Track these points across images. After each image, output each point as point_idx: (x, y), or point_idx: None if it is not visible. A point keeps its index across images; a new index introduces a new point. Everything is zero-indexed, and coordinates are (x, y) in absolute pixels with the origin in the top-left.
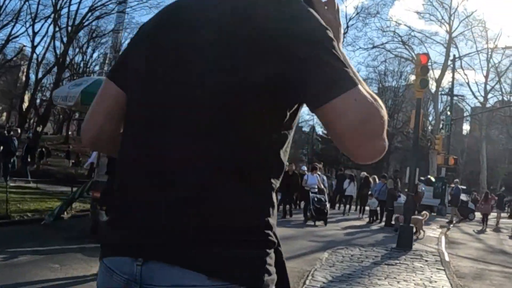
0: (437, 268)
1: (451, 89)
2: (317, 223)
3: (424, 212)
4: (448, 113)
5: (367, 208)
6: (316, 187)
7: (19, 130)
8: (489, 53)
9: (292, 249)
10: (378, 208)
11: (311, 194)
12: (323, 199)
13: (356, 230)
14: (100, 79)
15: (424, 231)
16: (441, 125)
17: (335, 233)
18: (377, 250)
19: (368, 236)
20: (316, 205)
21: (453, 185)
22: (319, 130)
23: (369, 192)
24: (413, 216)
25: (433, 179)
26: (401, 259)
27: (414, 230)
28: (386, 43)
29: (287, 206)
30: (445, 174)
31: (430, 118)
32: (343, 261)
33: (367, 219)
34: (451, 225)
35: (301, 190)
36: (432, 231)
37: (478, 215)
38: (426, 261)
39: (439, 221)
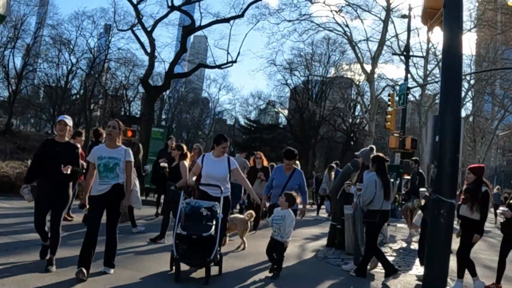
0: None
1: (406, 46)
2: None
3: (249, 211)
4: (399, 84)
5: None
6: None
7: None
8: (430, 33)
9: None
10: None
11: (180, 203)
12: (206, 212)
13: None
14: None
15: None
16: (389, 99)
17: None
18: None
19: None
20: (182, 231)
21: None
22: (242, 120)
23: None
24: (232, 216)
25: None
26: None
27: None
28: (313, 14)
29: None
30: (400, 162)
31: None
32: None
33: None
34: None
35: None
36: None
37: None
38: None
39: (400, 229)
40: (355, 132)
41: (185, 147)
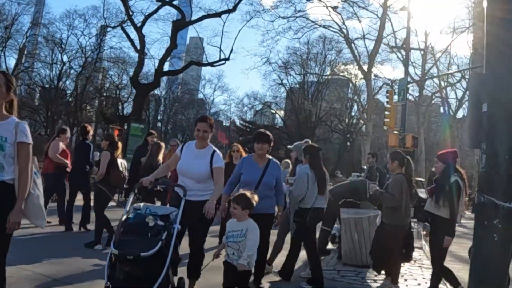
0: None
1: (406, 39)
2: None
3: None
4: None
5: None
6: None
7: None
8: (427, 32)
9: None
10: None
11: (125, 209)
12: (153, 222)
13: None
14: None
15: None
16: (387, 98)
17: None
18: None
19: None
20: (113, 249)
21: None
22: (237, 121)
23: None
24: None
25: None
26: None
27: None
28: (308, 12)
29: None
30: None
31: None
32: None
33: None
34: None
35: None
36: None
37: None
38: None
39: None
40: (352, 133)
41: (116, 137)
